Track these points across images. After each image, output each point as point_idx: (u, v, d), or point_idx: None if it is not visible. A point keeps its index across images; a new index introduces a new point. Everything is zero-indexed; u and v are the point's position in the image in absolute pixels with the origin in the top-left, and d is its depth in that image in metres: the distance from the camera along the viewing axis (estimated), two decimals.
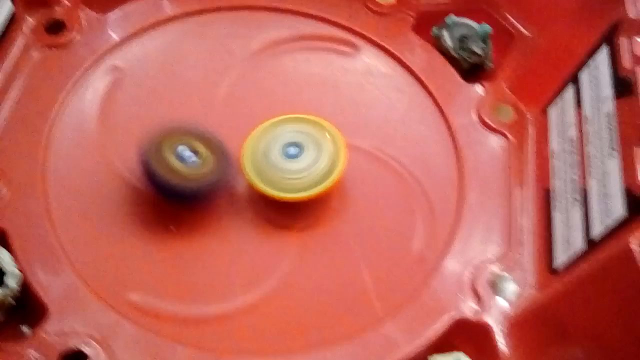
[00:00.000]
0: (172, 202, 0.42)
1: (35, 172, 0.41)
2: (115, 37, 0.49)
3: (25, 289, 0.37)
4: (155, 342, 0.36)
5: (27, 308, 0.37)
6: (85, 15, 0.49)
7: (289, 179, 0.41)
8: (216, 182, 0.41)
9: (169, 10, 0.51)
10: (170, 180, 0.40)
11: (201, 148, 0.41)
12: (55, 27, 0.48)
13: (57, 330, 0.35)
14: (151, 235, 0.41)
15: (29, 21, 0.48)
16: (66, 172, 0.42)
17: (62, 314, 0.36)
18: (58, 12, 0.48)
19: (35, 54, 0.47)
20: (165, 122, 0.42)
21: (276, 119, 0.44)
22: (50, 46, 0.47)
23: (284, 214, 0.42)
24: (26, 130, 0.43)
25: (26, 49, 0.47)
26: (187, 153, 0.41)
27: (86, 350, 0.35)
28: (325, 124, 0.44)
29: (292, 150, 0.42)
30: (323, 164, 0.42)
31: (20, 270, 0.37)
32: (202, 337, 0.37)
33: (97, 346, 0.35)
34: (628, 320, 0.32)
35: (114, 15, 0.50)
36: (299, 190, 0.41)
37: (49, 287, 0.37)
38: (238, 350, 0.37)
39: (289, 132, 0.43)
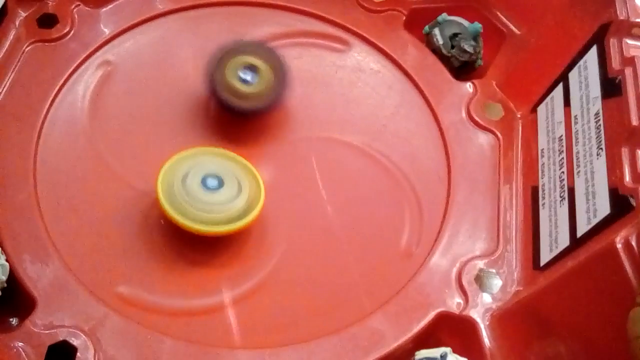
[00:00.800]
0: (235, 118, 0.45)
1: (26, 165, 0.41)
2: (107, 31, 0.49)
3: (13, 280, 0.37)
4: (142, 335, 0.36)
5: (15, 300, 0.37)
6: (78, 9, 0.49)
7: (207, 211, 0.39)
8: (273, 99, 0.45)
9: (161, 5, 0.51)
10: (231, 100, 0.44)
11: (261, 65, 0.44)
12: (48, 21, 0.48)
13: (45, 322, 0.36)
14: (140, 228, 0.41)
15: (22, 15, 0.48)
16: (56, 165, 0.42)
17: (50, 306, 0.36)
18: (50, 7, 0.49)
19: (28, 48, 0.47)
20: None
21: (191, 150, 0.42)
22: (42, 40, 0.47)
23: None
24: (17, 124, 0.43)
25: (18, 43, 0.47)
26: (247, 73, 0.44)
27: (74, 342, 0.35)
28: (244, 161, 0.42)
29: (212, 182, 0.40)
30: (242, 200, 0.40)
31: (8, 262, 0.37)
32: (190, 330, 0.37)
33: (85, 338, 0.35)
34: (611, 317, 0.32)
35: (106, 10, 0.50)
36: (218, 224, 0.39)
37: (37, 278, 0.37)
38: (225, 343, 0.37)
39: (207, 164, 0.41)
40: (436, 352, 0.36)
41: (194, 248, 0.40)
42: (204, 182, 0.39)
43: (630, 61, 0.39)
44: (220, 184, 0.40)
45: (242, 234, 0.41)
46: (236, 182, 0.40)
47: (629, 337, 0.29)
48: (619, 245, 0.32)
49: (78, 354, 0.35)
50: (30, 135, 0.42)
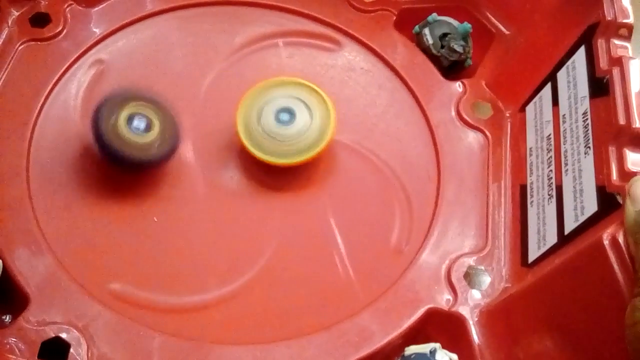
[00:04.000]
0: (122, 169, 0.42)
1: (19, 162, 0.41)
2: (99, 30, 0.49)
3: (6, 277, 0.37)
4: (135, 331, 0.36)
5: (8, 297, 0.37)
6: (71, 9, 0.49)
7: (281, 144, 0.43)
8: (164, 152, 0.42)
9: (153, 4, 0.51)
10: (120, 150, 0.40)
11: (152, 115, 0.41)
12: (41, 21, 0.48)
13: (38, 318, 0.36)
14: (133, 226, 0.41)
15: (14, 14, 0.48)
16: (49, 162, 0.42)
17: (43, 303, 0.36)
18: (43, 6, 0.49)
19: (20, 47, 0.47)
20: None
21: (268, 81, 0.45)
22: (35, 39, 0.47)
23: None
24: (10, 122, 0.43)
25: (11, 42, 0.47)
26: (137, 121, 0.41)
27: (67, 338, 0.35)
28: (317, 88, 0.45)
29: (285, 116, 0.43)
30: (314, 129, 0.43)
31: (1, 259, 0.37)
32: (181, 326, 0.37)
33: (78, 334, 0.36)
34: (597, 313, 0.32)
35: (98, 9, 0.50)
36: (291, 156, 0.43)
37: (30, 275, 0.37)
38: (217, 339, 0.37)
39: (281, 97, 0.44)
40: (426, 347, 0.36)
41: (186, 246, 0.41)
42: (277, 117, 0.43)
43: (617, 61, 0.39)
44: (293, 116, 0.43)
45: (238, 231, 0.42)
46: (307, 112, 0.44)
47: (627, 324, 0.29)
48: (606, 242, 0.32)
49: (71, 350, 0.35)
50: (23, 133, 0.43)
